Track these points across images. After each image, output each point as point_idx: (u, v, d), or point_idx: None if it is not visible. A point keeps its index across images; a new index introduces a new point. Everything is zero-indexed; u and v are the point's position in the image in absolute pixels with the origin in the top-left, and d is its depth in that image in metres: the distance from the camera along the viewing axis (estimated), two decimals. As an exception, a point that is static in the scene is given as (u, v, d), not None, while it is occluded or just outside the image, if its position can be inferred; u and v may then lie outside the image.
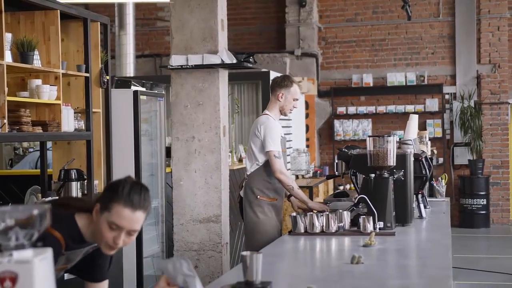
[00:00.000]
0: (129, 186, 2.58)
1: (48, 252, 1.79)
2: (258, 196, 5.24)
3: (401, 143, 5.16)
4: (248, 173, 5.36)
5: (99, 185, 5.82)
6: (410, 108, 12.55)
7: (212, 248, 5.77)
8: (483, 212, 12.23)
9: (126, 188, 2.56)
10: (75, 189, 5.39)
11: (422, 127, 12.30)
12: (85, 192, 5.57)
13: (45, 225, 1.81)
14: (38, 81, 4.98)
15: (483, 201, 12.20)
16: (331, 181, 11.30)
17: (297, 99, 5.38)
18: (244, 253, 2.77)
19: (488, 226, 12.27)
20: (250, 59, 6.38)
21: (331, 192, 11.18)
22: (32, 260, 1.72)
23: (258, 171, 5.27)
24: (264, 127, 5.19)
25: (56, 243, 2.56)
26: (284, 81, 5.35)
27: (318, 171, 11.14)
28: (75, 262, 2.75)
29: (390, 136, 4.43)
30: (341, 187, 12.32)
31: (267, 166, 5.24)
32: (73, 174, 5.40)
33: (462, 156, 12.55)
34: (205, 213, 5.91)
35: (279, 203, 5.34)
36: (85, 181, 5.54)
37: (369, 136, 4.47)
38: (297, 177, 10.39)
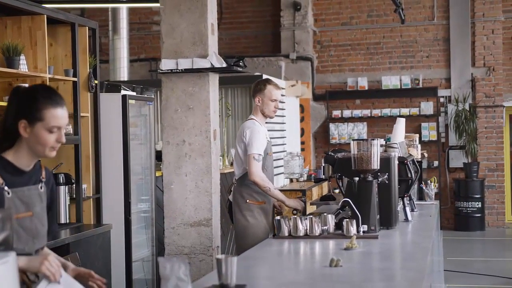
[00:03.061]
0: (44, 91, 2.72)
1: (11, 256, 1.81)
2: (248, 200, 5.33)
3: (387, 146, 5.17)
4: (236, 178, 5.44)
5: (87, 189, 5.83)
6: (405, 111, 12.57)
7: (203, 252, 5.78)
8: (478, 215, 12.24)
9: (43, 93, 2.70)
10: (63, 193, 5.41)
11: (417, 130, 12.32)
12: (74, 196, 5.58)
13: (8, 229, 1.83)
14: (25, 86, 5.00)
15: (478, 204, 12.20)
16: (325, 185, 11.30)
17: (275, 100, 5.43)
18: (218, 256, 2.79)
19: (483, 229, 12.28)
20: (240, 63, 6.40)
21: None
22: (-7, 263, 1.74)
23: (246, 175, 5.33)
24: (250, 131, 5.30)
25: None
26: (258, 85, 5.48)
27: (313, 175, 11.14)
28: (36, 212, 2.73)
29: (374, 139, 4.45)
30: (337, 191, 12.34)
31: None
32: (61, 178, 5.41)
33: (457, 159, 12.56)
34: (195, 216, 5.92)
35: (267, 206, 5.39)
36: (73, 185, 5.55)
37: (353, 140, 4.49)
38: (291, 180, 10.40)
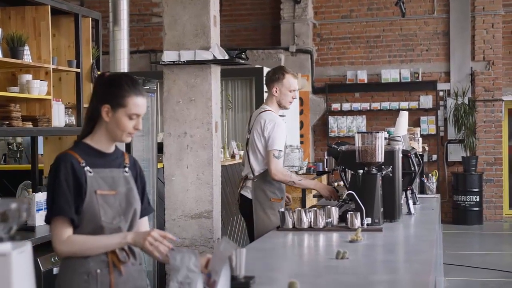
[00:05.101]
0: (128, 79, 2.86)
1: (27, 246, 1.81)
2: (271, 199, 5.11)
3: (390, 139, 5.17)
4: (256, 173, 5.16)
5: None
6: (404, 104, 12.58)
7: (203, 244, 5.79)
8: (476, 209, 12.27)
9: (128, 81, 2.84)
10: (66, 185, 5.40)
11: (416, 123, 12.33)
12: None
13: (23, 219, 1.83)
14: (29, 76, 4.99)
15: (476, 198, 12.23)
16: (324, 177, 11.33)
17: (293, 90, 5.20)
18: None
19: (481, 223, 12.31)
20: (242, 55, 6.40)
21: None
22: (10, 253, 1.74)
23: (268, 172, 5.08)
24: (272, 125, 5.05)
25: (66, 155, 2.81)
26: (276, 74, 5.21)
27: (312, 168, 11.16)
28: (120, 192, 2.87)
29: (378, 132, 4.45)
30: (335, 184, 12.35)
31: None
32: (64, 169, 5.39)
33: (456, 153, 12.58)
34: (196, 208, 5.94)
35: (283, 201, 5.29)
36: (76, 176, 5.54)
37: (357, 133, 4.48)
38: (290, 173, 10.42)
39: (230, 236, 7.67)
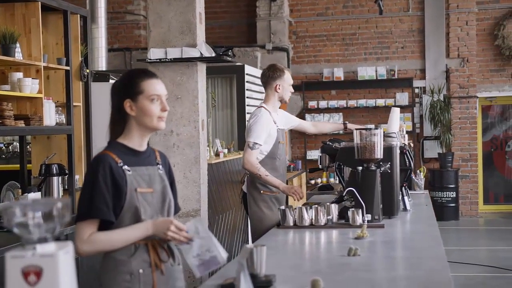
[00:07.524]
0: (136, 70, 2.93)
1: (70, 246, 1.77)
2: (262, 191, 5.23)
3: (385, 135, 5.18)
4: None
5: (80, 180, 5.74)
6: (380, 102, 12.64)
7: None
8: (453, 204, 12.38)
9: (135, 71, 2.91)
10: (56, 184, 5.31)
11: (393, 121, 12.38)
12: (66, 187, 5.49)
13: (67, 219, 1.78)
14: (19, 74, 4.89)
15: (452, 194, 12.34)
16: (304, 175, 11.34)
17: (291, 84, 5.42)
18: (248, 245, 2.76)
19: (457, 218, 12.43)
20: (229, 53, 6.37)
21: (304, 186, 11.25)
22: (56, 253, 1.70)
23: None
24: (254, 119, 5.19)
25: (104, 155, 2.78)
26: (276, 72, 5.33)
27: (292, 165, 11.17)
28: (157, 190, 2.86)
29: (377, 129, 4.45)
30: (313, 181, 12.38)
31: (267, 159, 5.19)
32: (54, 169, 5.31)
33: (432, 150, 12.68)
34: (184, 207, 5.90)
35: (281, 194, 5.31)
36: (66, 176, 5.46)
37: (356, 129, 4.48)
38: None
39: (216, 235, 7.63)
